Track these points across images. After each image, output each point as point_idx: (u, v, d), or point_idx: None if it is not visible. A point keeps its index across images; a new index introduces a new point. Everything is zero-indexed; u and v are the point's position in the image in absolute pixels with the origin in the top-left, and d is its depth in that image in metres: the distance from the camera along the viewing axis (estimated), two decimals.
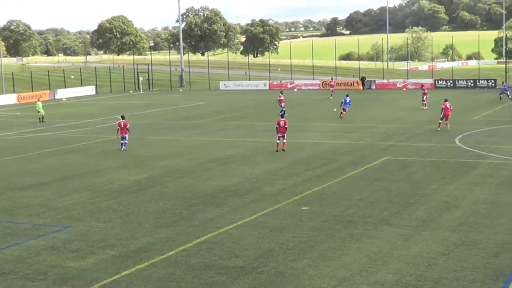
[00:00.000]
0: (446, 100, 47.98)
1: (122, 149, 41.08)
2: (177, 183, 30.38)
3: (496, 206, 24.18)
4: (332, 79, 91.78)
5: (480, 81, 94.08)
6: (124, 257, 19.28)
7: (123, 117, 42.87)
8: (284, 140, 38.78)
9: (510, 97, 68.94)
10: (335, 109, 58.98)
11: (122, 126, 41.36)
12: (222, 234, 21.39)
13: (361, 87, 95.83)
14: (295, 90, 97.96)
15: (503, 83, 75.61)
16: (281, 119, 39.82)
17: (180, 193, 28.05)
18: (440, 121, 47.08)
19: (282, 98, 61.29)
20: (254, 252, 19.29)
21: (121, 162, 36.97)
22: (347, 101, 57.97)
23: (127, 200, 26.95)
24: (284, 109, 58.72)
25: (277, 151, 38.36)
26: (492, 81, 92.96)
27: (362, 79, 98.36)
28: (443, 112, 47.30)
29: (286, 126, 38.65)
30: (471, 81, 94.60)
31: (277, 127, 38.82)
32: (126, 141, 41.30)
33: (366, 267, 17.69)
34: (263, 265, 18.13)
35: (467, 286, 16.16)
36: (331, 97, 79.08)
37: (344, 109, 57.57)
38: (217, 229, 21.97)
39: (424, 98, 63.79)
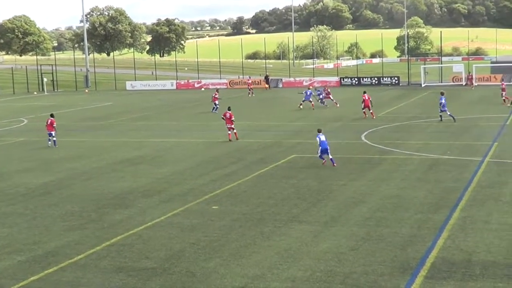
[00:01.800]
0: (365, 92, 53.29)
1: (48, 144, 42.12)
2: (85, 185, 29.87)
3: (402, 200, 24.70)
4: (249, 78, 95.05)
5: (384, 78, 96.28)
6: (31, 262, 18.83)
7: (52, 115, 43.36)
8: (235, 131, 41.39)
9: (317, 101, 64.25)
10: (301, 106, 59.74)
11: (48, 123, 42.27)
12: (132, 235, 21.15)
13: (266, 86, 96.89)
14: (203, 89, 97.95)
15: (325, 88, 70.20)
16: (227, 111, 41.71)
17: (88, 195, 27.58)
18: (364, 110, 51.91)
19: (217, 96, 62.55)
20: (165, 253, 19.16)
21: (26, 165, 36.12)
22: (308, 93, 62.11)
23: (34, 204, 26.34)
24: (217, 106, 59.92)
25: (230, 140, 41.21)
26: (396, 78, 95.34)
27: (266, 77, 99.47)
28: (363, 103, 51.88)
29: (232, 118, 41.15)
30: (375, 78, 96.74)
31: (223, 118, 41.60)
32: (54, 138, 42.13)
33: (277, 264, 17.79)
34: (174, 266, 18.03)
35: (376, 279, 16.45)
36: (252, 95, 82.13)
37: (310, 101, 61.45)
38: (127, 231, 21.71)
39: (324, 97, 64.40)
